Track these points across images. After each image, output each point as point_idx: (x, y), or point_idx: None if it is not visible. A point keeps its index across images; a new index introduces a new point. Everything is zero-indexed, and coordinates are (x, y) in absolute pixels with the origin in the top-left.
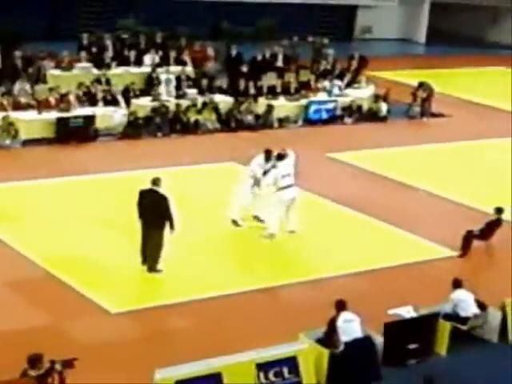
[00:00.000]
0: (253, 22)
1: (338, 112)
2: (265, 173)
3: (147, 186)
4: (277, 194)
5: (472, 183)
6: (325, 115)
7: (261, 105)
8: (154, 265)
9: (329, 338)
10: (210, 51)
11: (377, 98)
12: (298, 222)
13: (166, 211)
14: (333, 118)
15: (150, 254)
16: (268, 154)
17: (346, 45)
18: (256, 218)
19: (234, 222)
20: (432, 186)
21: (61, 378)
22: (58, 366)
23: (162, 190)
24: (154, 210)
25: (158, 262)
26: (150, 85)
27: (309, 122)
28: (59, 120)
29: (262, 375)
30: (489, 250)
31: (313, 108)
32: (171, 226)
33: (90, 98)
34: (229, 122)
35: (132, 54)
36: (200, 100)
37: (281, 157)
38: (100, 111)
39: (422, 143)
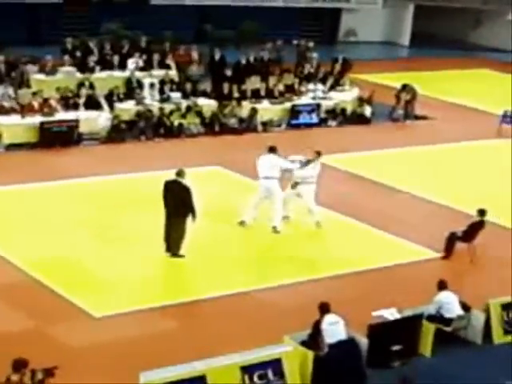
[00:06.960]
0: (237, 26)
1: (322, 115)
2: (303, 166)
3: (172, 177)
4: (310, 187)
5: (455, 185)
6: (308, 119)
7: (245, 108)
8: (177, 250)
9: (313, 340)
10: (195, 55)
11: (361, 100)
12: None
13: (188, 201)
14: (317, 122)
15: (174, 240)
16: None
17: (330, 48)
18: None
19: (274, 228)
20: (415, 188)
21: None
22: (39, 375)
23: (185, 181)
24: (177, 200)
25: (181, 248)
26: (129, 89)
27: (293, 125)
28: (42, 124)
29: (246, 378)
30: (472, 251)
31: (296, 111)
32: (193, 216)
33: (73, 103)
34: (213, 126)
35: (116, 58)
36: (184, 104)
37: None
38: (83, 115)
39: (406, 146)
